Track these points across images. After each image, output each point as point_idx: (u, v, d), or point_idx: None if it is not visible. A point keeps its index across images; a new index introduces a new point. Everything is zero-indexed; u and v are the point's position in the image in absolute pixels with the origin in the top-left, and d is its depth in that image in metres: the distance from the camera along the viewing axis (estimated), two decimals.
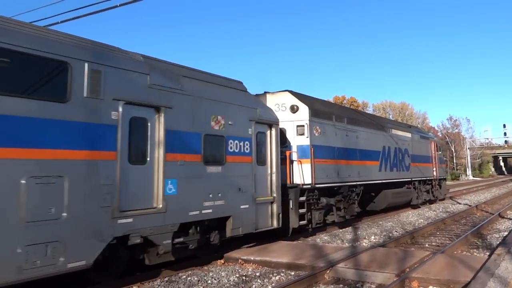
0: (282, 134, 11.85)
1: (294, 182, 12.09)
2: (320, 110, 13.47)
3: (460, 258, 8.92)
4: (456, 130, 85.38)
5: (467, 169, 76.67)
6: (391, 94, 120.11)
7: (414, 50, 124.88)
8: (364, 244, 11.76)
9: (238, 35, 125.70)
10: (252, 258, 9.24)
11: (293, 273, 8.35)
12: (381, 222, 16.00)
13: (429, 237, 12.90)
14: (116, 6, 9.25)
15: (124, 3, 9.12)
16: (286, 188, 11.53)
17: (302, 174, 12.15)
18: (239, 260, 9.29)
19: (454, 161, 79.13)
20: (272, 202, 10.62)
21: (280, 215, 10.72)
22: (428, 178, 22.03)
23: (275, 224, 10.56)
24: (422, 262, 8.45)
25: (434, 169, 22.99)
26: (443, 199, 24.78)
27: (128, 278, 7.76)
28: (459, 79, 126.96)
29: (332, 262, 8.49)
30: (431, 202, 22.90)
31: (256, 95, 12.37)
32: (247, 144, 9.83)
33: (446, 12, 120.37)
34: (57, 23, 10.88)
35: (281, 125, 11.61)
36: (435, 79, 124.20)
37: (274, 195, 10.70)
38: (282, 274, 8.31)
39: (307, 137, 12.42)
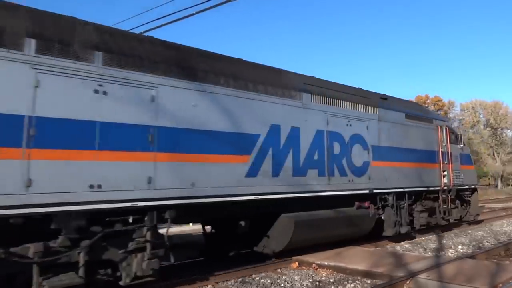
0: None
1: None
2: None
3: None
4: None
5: None
6: (482, 92, 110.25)
7: (507, 43, 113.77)
8: (449, 254, 10.91)
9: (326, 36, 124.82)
10: (326, 263, 9.01)
11: (369, 282, 7.99)
12: (469, 231, 14.74)
13: None
14: (193, 14, 9.67)
15: (200, 10, 9.51)
16: None
17: None
18: (313, 264, 9.12)
19: None
20: None
21: None
22: (428, 187, 12.95)
23: None
24: None
25: (445, 172, 13.55)
26: (478, 222, 16.05)
27: (203, 276, 7.98)
28: None
29: (413, 272, 7.97)
30: (443, 228, 14.34)
31: None
32: None
33: None
34: (141, 33, 11.76)
35: None
36: None
37: None
38: (357, 282, 7.99)
39: None
